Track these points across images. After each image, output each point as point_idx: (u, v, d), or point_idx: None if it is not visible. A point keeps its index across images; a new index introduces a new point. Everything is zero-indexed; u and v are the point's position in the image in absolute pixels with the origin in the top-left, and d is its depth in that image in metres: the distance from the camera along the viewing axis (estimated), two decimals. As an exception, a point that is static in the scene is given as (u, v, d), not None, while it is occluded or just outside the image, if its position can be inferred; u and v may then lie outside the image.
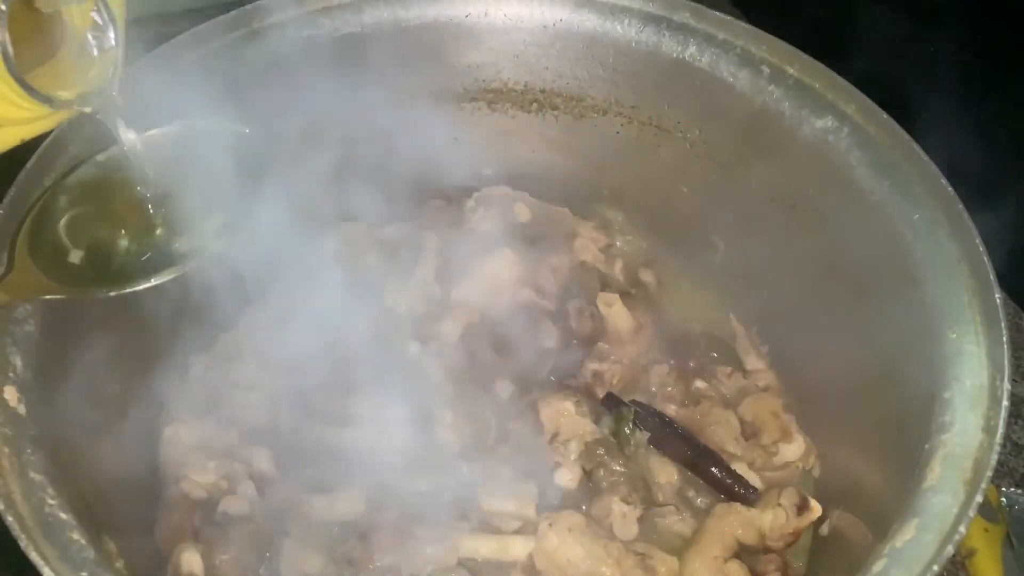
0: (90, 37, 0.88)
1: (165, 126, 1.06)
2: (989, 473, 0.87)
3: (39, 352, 0.95)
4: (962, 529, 0.83)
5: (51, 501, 0.83)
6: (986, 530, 1.36)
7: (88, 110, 0.90)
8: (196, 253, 0.97)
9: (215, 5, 1.23)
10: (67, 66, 0.88)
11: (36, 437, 0.88)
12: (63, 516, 0.83)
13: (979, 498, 0.85)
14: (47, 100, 0.85)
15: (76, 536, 0.82)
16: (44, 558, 0.79)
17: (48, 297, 0.94)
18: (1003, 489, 1.40)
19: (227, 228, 0.99)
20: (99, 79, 0.89)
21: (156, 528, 1.14)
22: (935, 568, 0.81)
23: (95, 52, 0.88)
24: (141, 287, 0.94)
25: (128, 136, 0.94)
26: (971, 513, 0.84)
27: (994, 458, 0.88)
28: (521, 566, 1.14)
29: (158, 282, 0.94)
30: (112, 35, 0.89)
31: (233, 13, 1.20)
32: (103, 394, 1.08)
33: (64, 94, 0.87)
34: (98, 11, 0.87)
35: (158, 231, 0.99)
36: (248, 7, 1.21)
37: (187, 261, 0.96)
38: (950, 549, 0.82)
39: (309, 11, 1.23)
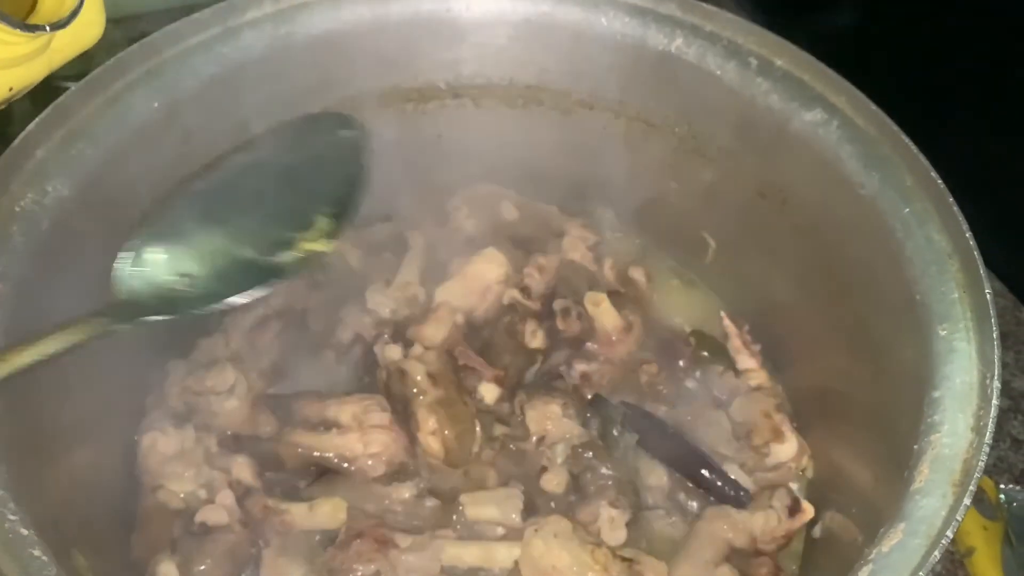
0: None
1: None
2: (978, 475, 0.84)
3: (4, 361, 0.93)
4: (949, 534, 0.81)
5: (12, 516, 0.82)
6: (985, 528, 1.34)
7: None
8: (299, 262, 0.96)
9: (197, 5, 1.20)
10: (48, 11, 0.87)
11: (-1, 450, 0.86)
12: (24, 532, 0.81)
13: (967, 501, 0.83)
14: (25, 27, 0.84)
15: (38, 552, 0.80)
16: (2, 576, 0.77)
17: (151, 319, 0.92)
18: (1002, 486, 1.38)
19: (329, 233, 0.98)
20: (70, 6, 0.88)
21: (132, 540, 1.13)
22: (921, 575, 0.79)
23: None
24: (243, 301, 0.94)
25: None
26: (959, 517, 0.82)
27: (984, 459, 0.85)
28: (507, 573, 1.12)
29: (261, 294, 0.94)
30: None
31: (208, 10, 1.18)
32: (76, 404, 1.06)
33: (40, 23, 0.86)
34: None
35: (257, 245, 0.97)
36: (223, 4, 1.19)
37: (290, 270, 0.96)
38: (937, 555, 0.80)
39: (285, 7, 1.21)
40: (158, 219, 1.00)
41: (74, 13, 0.89)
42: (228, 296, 0.93)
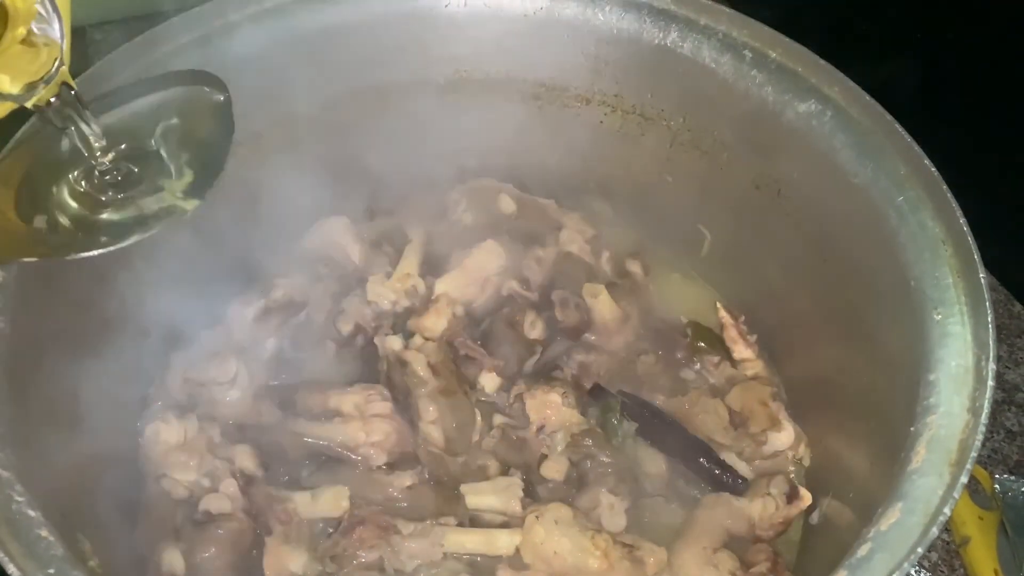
0: (35, 28, 0.86)
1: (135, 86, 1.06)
2: (974, 454, 0.85)
3: (9, 348, 0.94)
4: (947, 511, 0.82)
5: (18, 498, 0.82)
6: (980, 518, 1.35)
7: (30, 105, 0.88)
8: (167, 213, 0.94)
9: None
10: (11, 58, 0.85)
11: (4, 434, 0.87)
12: (31, 513, 0.82)
13: (964, 479, 0.84)
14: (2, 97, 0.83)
15: (44, 533, 0.81)
16: (9, 555, 0.78)
17: (24, 260, 0.93)
18: (997, 476, 1.39)
19: (197, 187, 0.96)
20: (43, 71, 0.87)
21: (137, 527, 1.13)
22: (919, 551, 0.80)
23: (40, 44, 0.86)
24: (112, 248, 0.91)
25: (88, 128, 0.92)
26: (956, 495, 0.83)
27: (979, 439, 0.86)
28: (508, 560, 1.13)
29: (129, 243, 0.91)
30: (57, 27, 0.86)
31: (208, 4, 1.19)
32: (79, 392, 1.06)
33: (9, 86, 0.85)
34: (41, 2, 0.85)
35: (125, 193, 0.95)
36: (225, -2, 1.20)
37: (158, 222, 0.93)
38: (934, 531, 0.81)
39: (284, 3, 1.22)
40: (15, 165, 0.99)
41: (48, 79, 0.87)
42: (90, 247, 0.91)
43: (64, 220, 0.94)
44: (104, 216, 0.94)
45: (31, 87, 0.87)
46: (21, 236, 0.92)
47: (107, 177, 0.95)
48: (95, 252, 0.91)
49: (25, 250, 0.92)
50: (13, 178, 0.97)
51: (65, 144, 0.98)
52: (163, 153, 0.99)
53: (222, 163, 0.98)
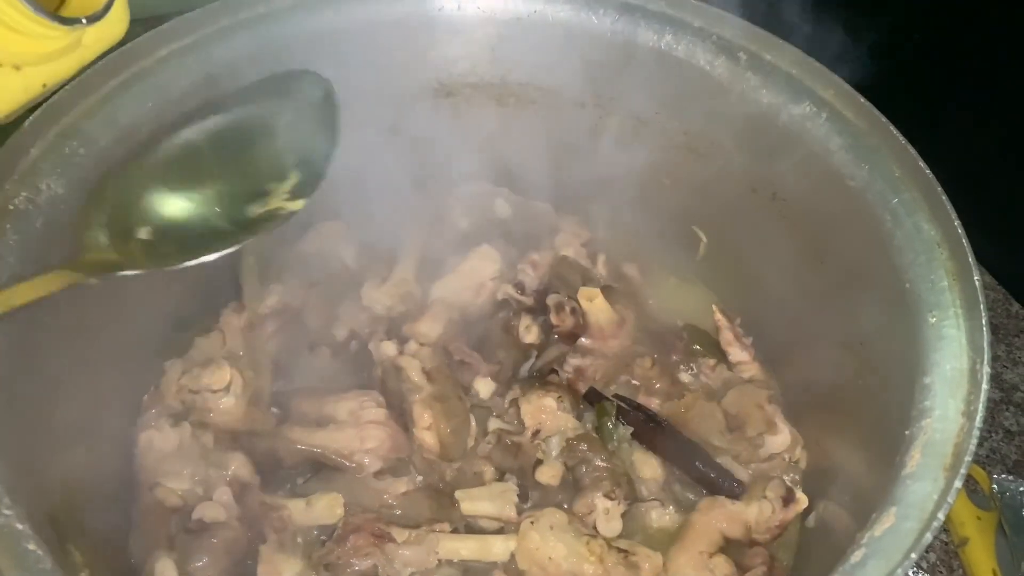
0: None
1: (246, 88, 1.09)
2: (969, 458, 0.85)
3: (3, 358, 0.93)
4: (941, 516, 0.82)
5: (7, 511, 0.82)
6: (979, 518, 1.35)
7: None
8: (271, 216, 0.95)
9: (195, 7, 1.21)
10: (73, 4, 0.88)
11: (-5, 446, 0.87)
12: (19, 527, 0.81)
13: (959, 484, 0.84)
14: (62, 21, 0.85)
15: (33, 547, 0.80)
16: (-3, 569, 0.77)
17: (123, 274, 0.92)
18: (995, 476, 1.39)
19: (301, 188, 0.98)
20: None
21: (130, 536, 1.13)
22: (914, 556, 0.80)
23: None
24: (215, 255, 0.92)
25: None
26: (951, 499, 0.83)
27: (974, 443, 0.86)
28: (503, 566, 1.13)
29: (231, 250, 0.93)
30: None
31: (200, 10, 1.18)
32: (73, 402, 1.06)
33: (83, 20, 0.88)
34: None
35: (228, 197, 0.97)
36: (216, 3, 1.19)
37: (263, 225, 0.95)
38: (929, 537, 0.81)
39: (278, 8, 1.21)
40: (125, 174, 1.00)
41: (108, 6, 0.89)
42: (198, 254, 0.93)
43: (167, 230, 0.95)
44: (209, 224, 0.95)
45: (94, 18, 0.91)
46: (125, 250, 0.93)
47: (214, 183, 0.97)
48: (202, 259, 0.92)
49: (129, 263, 0.92)
50: (119, 192, 0.98)
51: (165, 156, 0.99)
52: (271, 155, 1.01)
53: (325, 166, 1.00)
